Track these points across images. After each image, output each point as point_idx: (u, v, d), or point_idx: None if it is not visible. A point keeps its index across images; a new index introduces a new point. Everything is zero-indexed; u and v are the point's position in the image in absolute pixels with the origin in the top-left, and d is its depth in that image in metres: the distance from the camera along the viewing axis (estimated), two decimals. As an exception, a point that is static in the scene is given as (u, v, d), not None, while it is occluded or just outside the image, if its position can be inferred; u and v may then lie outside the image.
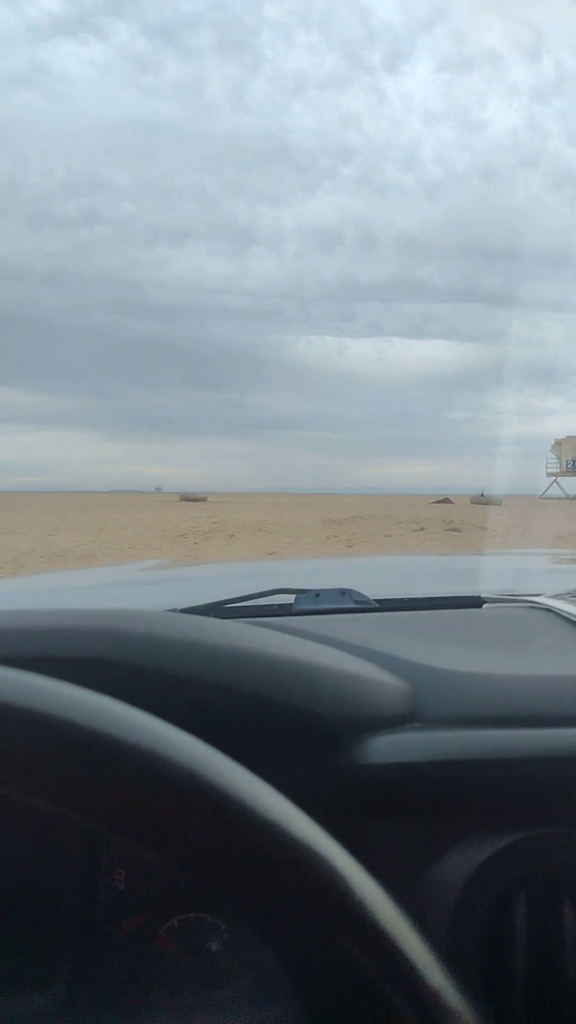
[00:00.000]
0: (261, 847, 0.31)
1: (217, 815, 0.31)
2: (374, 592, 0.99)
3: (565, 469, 56.87)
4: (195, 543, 14.12)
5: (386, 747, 0.56)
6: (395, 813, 0.55)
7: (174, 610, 0.85)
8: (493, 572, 1.53)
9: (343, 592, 0.98)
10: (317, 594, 0.97)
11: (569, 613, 0.85)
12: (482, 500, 42.30)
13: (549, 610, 0.89)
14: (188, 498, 52.75)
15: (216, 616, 0.80)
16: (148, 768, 0.31)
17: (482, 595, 1.00)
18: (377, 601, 0.97)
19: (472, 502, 43.49)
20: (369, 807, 0.55)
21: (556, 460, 57.05)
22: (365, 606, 0.96)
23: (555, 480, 56.68)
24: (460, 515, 23.19)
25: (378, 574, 1.64)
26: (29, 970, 0.58)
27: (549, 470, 56.67)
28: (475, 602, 0.99)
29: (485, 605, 0.98)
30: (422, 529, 17.39)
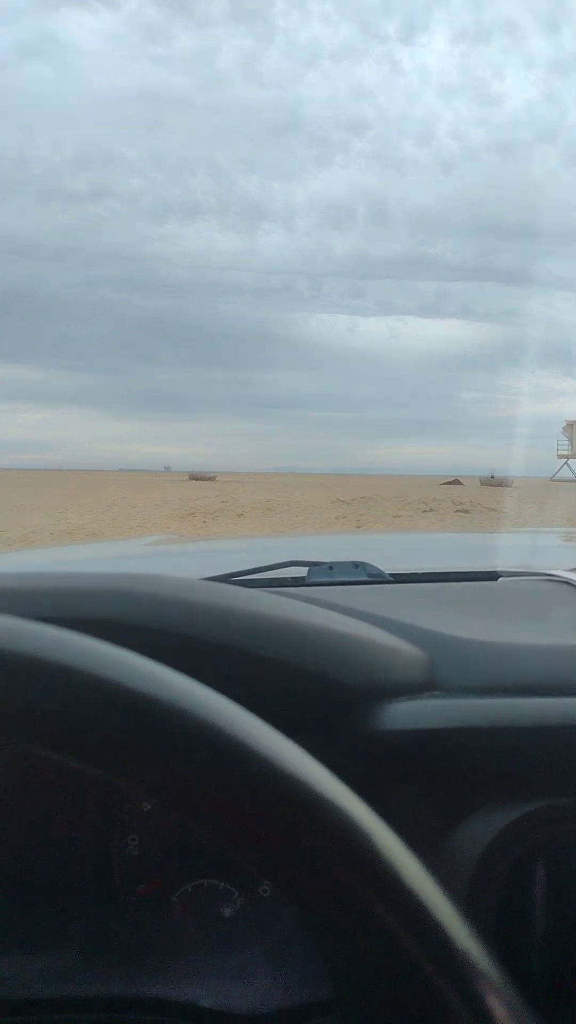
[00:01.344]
0: (286, 803, 0.31)
1: (243, 771, 0.31)
2: (387, 567, 0.98)
3: (576, 451, 56.45)
4: (204, 522, 14.15)
5: (405, 714, 0.55)
6: (414, 780, 0.55)
7: None
8: (507, 549, 1.52)
9: (356, 565, 0.97)
10: (330, 566, 0.96)
11: None
12: (492, 482, 42.16)
13: (567, 583, 0.88)
14: (197, 477, 52.69)
15: None
16: (172, 722, 0.31)
17: (498, 569, 0.99)
18: (391, 575, 0.97)
19: (482, 484, 43.34)
20: (388, 773, 0.54)
21: (567, 442, 56.60)
22: (379, 578, 0.95)
23: (566, 462, 56.35)
24: (470, 496, 23.12)
25: (390, 550, 1.63)
26: (42, 932, 0.58)
27: (560, 452, 56.32)
28: (491, 576, 0.98)
29: (501, 579, 0.97)
30: (431, 510, 17.34)
